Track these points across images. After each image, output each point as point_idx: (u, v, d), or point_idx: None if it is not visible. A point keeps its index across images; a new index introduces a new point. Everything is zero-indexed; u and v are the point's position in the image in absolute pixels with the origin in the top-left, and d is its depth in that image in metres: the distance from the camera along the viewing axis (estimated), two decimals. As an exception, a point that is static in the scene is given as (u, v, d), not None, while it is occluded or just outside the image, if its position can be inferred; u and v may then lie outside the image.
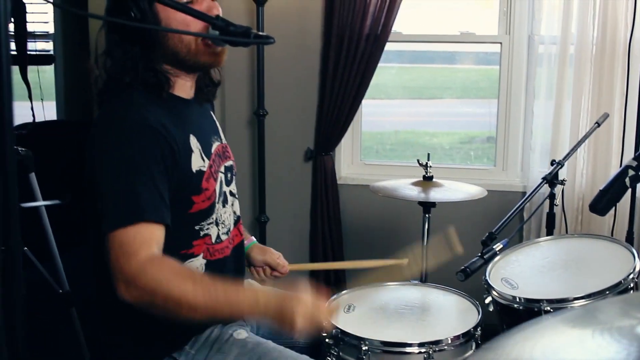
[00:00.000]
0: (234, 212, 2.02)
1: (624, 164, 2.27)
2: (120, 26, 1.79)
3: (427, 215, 2.96)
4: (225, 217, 1.94)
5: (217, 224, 1.90)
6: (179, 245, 1.79)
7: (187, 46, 1.80)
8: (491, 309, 2.17)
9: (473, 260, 2.19)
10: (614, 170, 2.84)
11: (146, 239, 1.65)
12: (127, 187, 1.67)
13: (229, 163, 2.03)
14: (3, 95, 0.81)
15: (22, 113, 2.97)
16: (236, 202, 2.05)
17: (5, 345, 0.89)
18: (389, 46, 3.69)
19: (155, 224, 1.67)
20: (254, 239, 2.29)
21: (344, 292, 2.32)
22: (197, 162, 1.83)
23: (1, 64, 0.82)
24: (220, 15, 1.75)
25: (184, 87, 1.90)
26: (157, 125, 1.73)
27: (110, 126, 1.75)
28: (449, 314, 2.25)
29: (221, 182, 1.94)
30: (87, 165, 1.77)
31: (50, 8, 4.64)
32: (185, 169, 1.79)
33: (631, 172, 2.18)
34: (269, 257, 2.25)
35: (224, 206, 1.94)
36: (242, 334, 1.92)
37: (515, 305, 2.07)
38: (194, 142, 1.84)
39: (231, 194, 2.01)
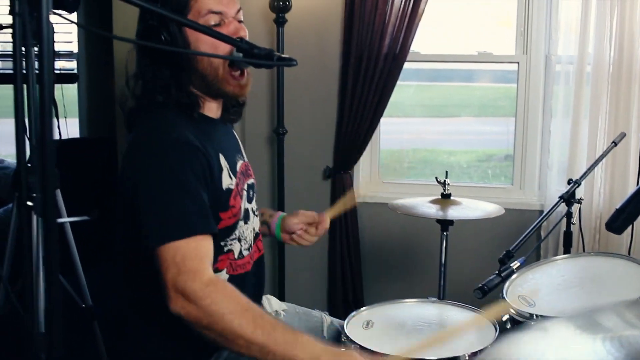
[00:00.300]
0: (254, 229, 2.07)
1: (640, 183, 2.30)
2: (151, 49, 1.84)
3: (445, 233, 2.99)
4: (247, 234, 1.99)
5: (239, 240, 1.94)
6: None
7: (215, 70, 1.85)
8: (508, 327, 2.19)
9: (490, 278, 2.22)
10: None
11: (203, 255, 1.68)
12: (177, 202, 1.70)
13: (251, 181, 2.08)
14: (44, 115, 0.86)
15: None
16: (256, 219, 2.09)
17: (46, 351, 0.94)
18: (407, 65, 3.74)
19: (206, 236, 1.71)
20: (281, 212, 2.34)
21: (362, 308, 2.34)
22: (227, 180, 1.88)
23: (43, 85, 0.86)
24: (247, 37, 1.82)
25: (212, 107, 1.96)
26: (196, 142, 1.78)
27: (151, 144, 1.80)
28: (466, 331, 2.27)
29: (245, 199, 1.99)
30: (122, 182, 1.81)
31: (74, 28, 4.74)
32: (217, 186, 1.84)
33: (648, 191, 2.20)
34: (303, 216, 2.29)
35: (245, 223, 1.98)
36: None
37: (532, 323, 2.09)
38: (223, 160, 1.89)
39: (252, 211, 2.05)
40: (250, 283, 2.01)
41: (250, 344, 1.62)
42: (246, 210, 2.00)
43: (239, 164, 2.01)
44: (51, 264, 0.91)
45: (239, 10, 1.90)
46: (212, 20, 1.83)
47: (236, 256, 1.94)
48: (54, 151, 0.91)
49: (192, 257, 1.65)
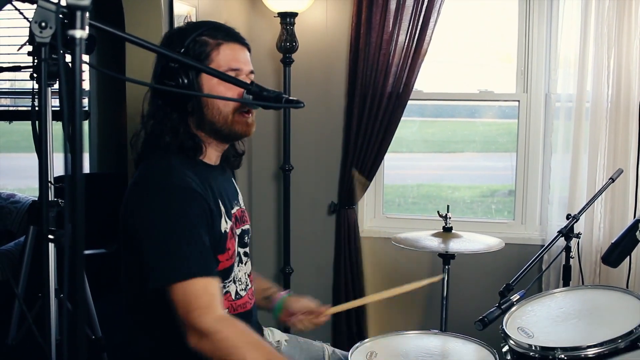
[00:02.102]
0: (247, 272, 2.15)
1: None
2: (165, 92, 1.94)
3: (446, 267, 3.06)
4: (241, 275, 2.08)
5: (234, 282, 2.04)
6: None
7: (225, 118, 1.96)
8: (508, 357, 2.25)
9: (491, 310, 2.28)
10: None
11: (214, 294, 1.78)
12: (186, 243, 1.78)
13: (246, 227, 2.17)
14: (75, 152, 0.94)
15: (59, 165, 3.13)
16: (249, 262, 2.17)
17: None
18: (411, 101, 3.83)
19: (210, 278, 1.80)
20: (286, 293, 2.38)
21: (366, 340, 2.40)
22: (224, 224, 1.97)
23: (75, 123, 0.95)
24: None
25: (212, 155, 2.05)
26: (198, 188, 1.88)
27: (154, 189, 1.88)
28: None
29: (237, 243, 2.08)
30: (126, 220, 1.89)
31: (86, 66, 4.85)
32: (216, 230, 1.93)
33: (641, 226, 2.28)
34: (307, 303, 2.31)
35: (238, 265, 2.07)
36: None
37: (531, 354, 2.14)
38: (220, 205, 1.98)
39: (245, 254, 2.14)
40: (254, 321, 2.11)
41: None
42: (239, 254, 2.09)
43: (235, 209, 2.10)
44: (78, 297, 0.99)
45: (251, 72, 2.03)
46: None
47: (233, 297, 2.03)
48: (83, 186, 1.00)
49: (201, 295, 1.74)
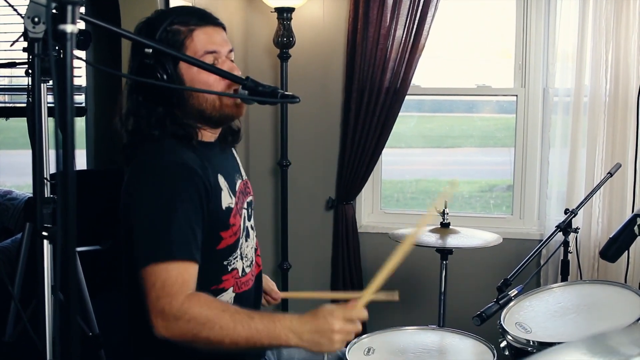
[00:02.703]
0: (253, 246, 2.13)
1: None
2: (144, 87, 1.90)
3: (444, 262, 3.05)
4: (248, 251, 2.05)
5: (241, 258, 2.00)
6: (209, 281, 1.88)
7: (212, 104, 1.93)
8: (506, 353, 2.24)
9: (489, 305, 2.28)
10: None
11: (186, 280, 1.74)
12: (164, 225, 1.76)
13: (249, 199, 2.14)
14: (67, 148, 0.93)
15: (54, 161, 3.12)
16: (254, 235, 2.15)
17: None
18: (409, 96, 3.82)
19: (190, 263, 1.77)
20: None
21: (363, 336, 2.40)
22: (226, 199, 1.94)
23: (65, 119, 0.94)
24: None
25: (208, 134, 2.02)
26: (194, 164, 1.85)
27: (147, 168, 1.86)
28: (466, 357, 2.32)
29: (244, 217, 2.05)
30: (122, 208, 1.88)
31: (82, 62, 4.84)
32: (216, 207, 1.90)
33: (639, 221, 2.27)
34: (265, 284, 2.31)
35: (246, 240, 2.04)
36: None
37: (529, 349, 2.14)
38: (222, 180, 1.95)
39: (252, 227, 2.12)
40: (251, 299, 2.08)
41: (236, 341, 1.70)
42: (246, 228, 2.06)
43: (238, 182, 2.06)
44: (70, 295, 0.98)
45: (231, 50, 1.98)
46: (207, 59, 1.90)
47: (240, 274, 1.99)
48: (75, 183, 0.98)
49: (172, 283, 1.72)
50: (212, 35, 1.93)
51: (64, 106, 0.94)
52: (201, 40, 1.90)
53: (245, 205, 2.07)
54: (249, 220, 2.10)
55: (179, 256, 1.75)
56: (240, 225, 2.00)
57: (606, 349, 0.93)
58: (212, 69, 1.78)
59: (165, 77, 1.86)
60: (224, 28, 1.99)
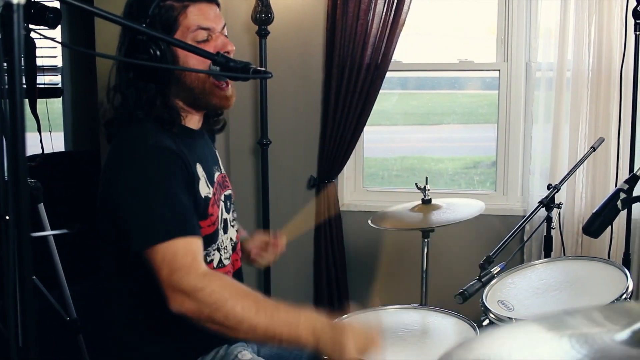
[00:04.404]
0: (232, 239, 2.09)
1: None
2: (135, 64, 1.86)
3: (426, 240, 3.02)
4: (226, 243, 2.02)
5: (219, 250, 1.97)
6: None
7: (202, 84, 1.90)
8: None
9: (471, 283, 2.24)
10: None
11: (196, 252, 1.71)
12: (160, 204, 1.73)
13: (228, 192, 2.12)
14: (16, 128, 0.88)
15: (31, 144, 3.06)
16: (234, 230, 2.12)
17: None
18: (391, 73, 3.77)
19: (194, 237, 1.74)
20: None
21: (344, 317, 2.36)
22: (204, 189, 1.91)
23: (15, 99, 0.89)
24: (233, 51, 1.90)
25: (193, 119, 2.00)
26: (176, 148, 1.82)
27: (131, 150, 1.83)
28: (448, 336, 2.30)
29: (222, 209, 2.02)
30: (102, 190, 1.85)
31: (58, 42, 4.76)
32: (195, 194, 1.87)
33: (623, 195, 2.24)
34: (260, 237, 2.35)
35: (224, 233, 2.02)
36: (246, 355, 1.99)
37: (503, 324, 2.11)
38: (200, 170, 1.93)
39: (230, 221, 2.09)
40: None
41: (254, 328, 1.64)
42: (225, 220, 2.03)
43: (217, 174, 2.04)
44: (25, 278, 0.93)
45: (224, 26, 1.96)
46: (200, 35, 1.88)
47: (215, 265, 1.96)
48: (27, 167, 0.93)
49: (183, 255, 1.68)
50: (206, 11, 1.91)
51: (13, 86, 0.89)
52: (195, 16, 1.88)
53: (222, 198, 2.05)
54: (227, 213, 2.07)
55: (182, 232, 1.71)
56: (218, 216, 1.97)
57: (566, 327, 0.92)
58: (181, 44, 1.73)
59: (158, 53, 1.82)
60: (217, 4, 1.98)
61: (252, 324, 1.63)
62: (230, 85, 1.95)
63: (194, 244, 1.73)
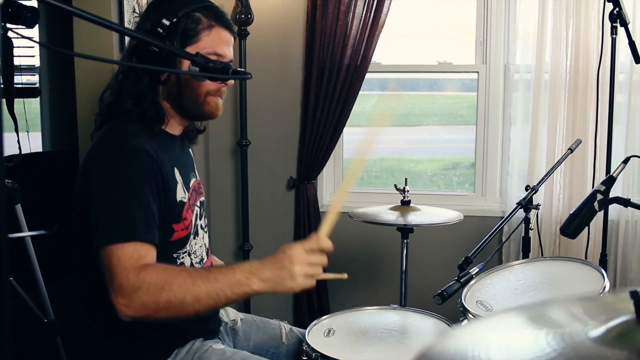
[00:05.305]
0: (205, 245, 2.11)
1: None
2: (143, 51, 1.86)
3: (405, 241, 3.03)
4: (196, 248, 2.03)
5: (189, 254, 1.99)
6: None
7: (196, 98, 1.95)
8: (468, 331, 2.23)
9: (450, 284, 2.25)
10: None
11: (142, 256, 1.70)
12: (124, 206, 1.73)
13: (202, 198, 2.14)
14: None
15: (8, 144, 3.03)
16: (206, 235, 2.13)
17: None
18: (371, 75, 3.78)
19: (148, 245, 1.73)
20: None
21: (324, 317, 2.37)
22: (180, 193, 1.93)
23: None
24: (231, 84, 2.02)
25: (174, 126, 2.02)
26: (152, 152, 1.82)
27: (108, 149, 1.84)
28: (427, 336, 2.31)
29: (196, 215, 2.04)
30: (78, 186, 1.86)
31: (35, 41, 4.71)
32: (171, 198, 1.88)
33: (599, 197, 2.26)
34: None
35: (194, 238, 2.02)
36: (219, 345, 2.02)
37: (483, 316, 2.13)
38: (177, 174, 1.94)
39: (202, 227, 2.10)
40: None
41: (198, 297, 1.65)
42: (196, 226, 2.04)
43: (192, 180, 2.07)
44: (2, 279, 0.92)
45: (231, 61, 1.99)
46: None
47: None
48: (4, 167, 0.92)
49: (127, 259, 1.67)
50: (227, 39, 1.98)
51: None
52: (215, 39, 1.93)
53: (198, 204, 2.07)
54: (200, 219, 2.08)
55: (139, 237, 1.71)
56: (191, 220, 1.99)
57: (544, 319, 0.92)
58: (162, 46, 1.73)
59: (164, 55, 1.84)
60: (235, 38, 2.05)
61: (194, 295, 1.65)
62: (222, 97, 2.01)
63: (145, 250, 1.72)
